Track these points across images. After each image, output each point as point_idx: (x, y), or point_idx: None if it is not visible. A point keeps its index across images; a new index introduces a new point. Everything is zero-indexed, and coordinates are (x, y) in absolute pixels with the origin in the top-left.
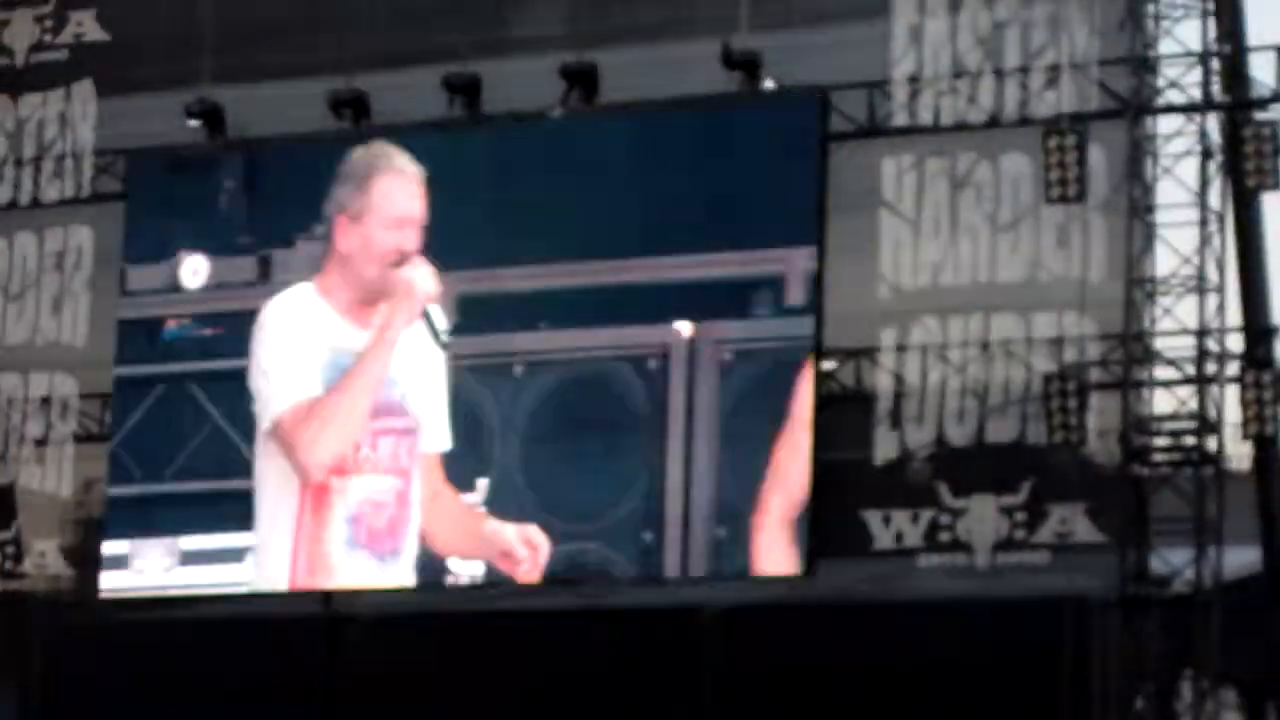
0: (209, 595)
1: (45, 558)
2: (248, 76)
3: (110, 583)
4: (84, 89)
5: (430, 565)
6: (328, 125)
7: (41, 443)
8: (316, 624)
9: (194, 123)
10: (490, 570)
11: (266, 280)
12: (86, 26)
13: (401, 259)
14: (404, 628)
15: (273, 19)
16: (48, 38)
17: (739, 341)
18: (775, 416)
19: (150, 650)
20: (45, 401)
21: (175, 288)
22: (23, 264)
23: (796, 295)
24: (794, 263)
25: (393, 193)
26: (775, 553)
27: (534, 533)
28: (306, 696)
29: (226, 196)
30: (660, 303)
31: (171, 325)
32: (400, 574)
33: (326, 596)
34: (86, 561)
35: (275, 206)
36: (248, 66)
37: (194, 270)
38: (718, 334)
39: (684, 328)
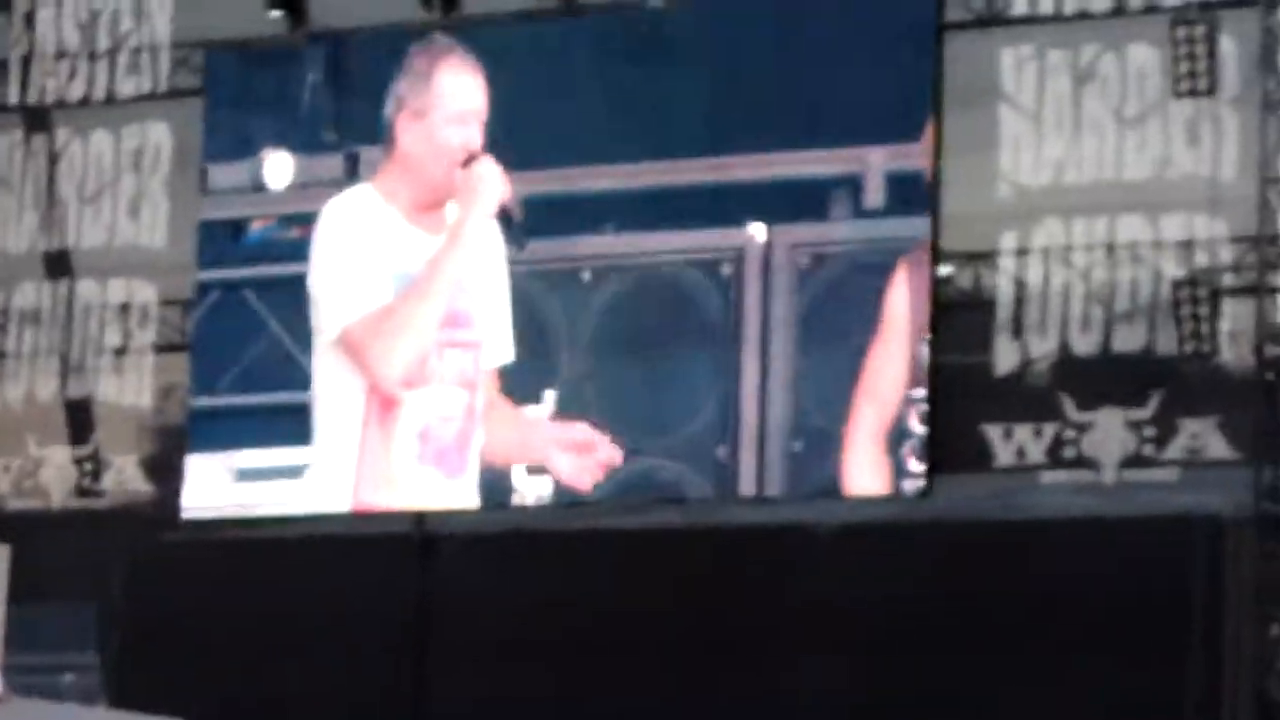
0: (296, 516)
1: (124, 473)
2: None
3: (191, 501)
4: None
5: (492, 481)
6: (414, 17)
7: (120, 352)
8: (407, 543)
9: (275, 13)
10: (557, 487)
11: (354, 179)
12: None
13: (468, 157)
14: (495, 546)
15: None
16: None
17: (817, 245)
18: (863, 324)
19: (234, 571)
20: (124, 308)
21: (259, 187)
22: (98, 163)
23: (875, 197)
24: (872, 161)
25: (457, 87)
26: (867, 469)
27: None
28: (398, 616)
29: (310, 92)
30: (732, 205)
31: (257, 226)
32: (466, 491)
33: (419, 517)
34: (165, 476)
35: (361, 102)
36: None
37: (278, 169)
38: (794, 238)
39: (758, 231)
